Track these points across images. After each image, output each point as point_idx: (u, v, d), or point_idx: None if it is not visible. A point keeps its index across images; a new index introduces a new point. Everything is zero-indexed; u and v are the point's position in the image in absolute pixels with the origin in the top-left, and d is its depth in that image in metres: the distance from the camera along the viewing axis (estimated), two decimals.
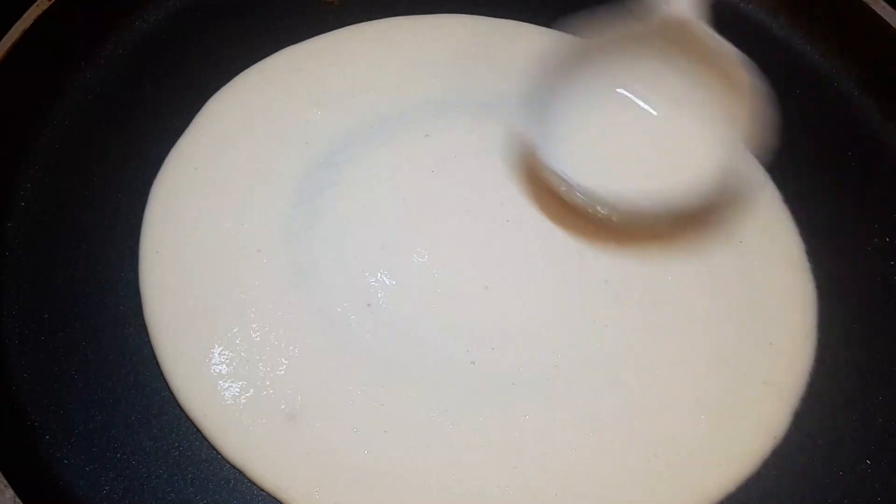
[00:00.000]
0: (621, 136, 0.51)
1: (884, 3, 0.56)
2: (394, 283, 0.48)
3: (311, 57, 0.57)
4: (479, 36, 0.59)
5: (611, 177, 0.49)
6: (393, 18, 0.59)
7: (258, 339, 0.46)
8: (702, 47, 0.49)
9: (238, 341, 0.46)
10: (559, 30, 0.59)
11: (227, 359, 0.45)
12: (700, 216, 0.51)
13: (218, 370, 0.45)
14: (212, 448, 0.43)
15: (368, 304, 0.47)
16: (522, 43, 0.58)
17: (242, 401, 0.44)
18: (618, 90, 0.52)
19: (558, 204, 0.50)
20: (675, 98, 0.51)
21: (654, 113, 0.52)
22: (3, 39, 0.51)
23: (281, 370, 0.45)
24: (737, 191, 0.51)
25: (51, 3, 0.53)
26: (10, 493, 0.38)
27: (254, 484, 0.43)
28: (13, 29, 0.52)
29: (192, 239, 0.49)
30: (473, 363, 0.46)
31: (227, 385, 0.45)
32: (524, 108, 0.49)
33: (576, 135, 0.51)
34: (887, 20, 0.55)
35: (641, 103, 0.52)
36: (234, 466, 0.43)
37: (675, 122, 0.51)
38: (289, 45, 0.57)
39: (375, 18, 0.59)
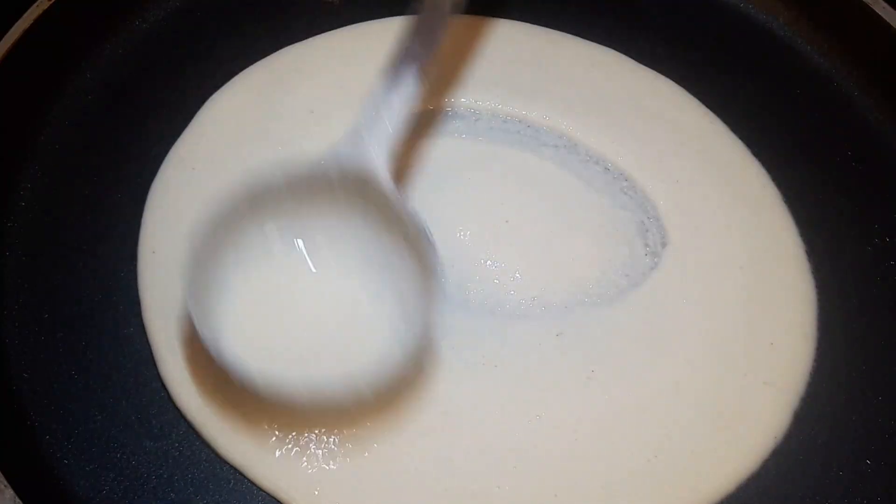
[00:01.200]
0: (289, 300, 0.45)
1: (884, 3, 0.56)
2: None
3: (311, 57, 0.57)
4: (479, 36, 0.58)
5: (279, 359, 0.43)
6: (392, 18, 0.59)
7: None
8: (383, 203, 0.43)
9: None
10: (559, 30, 0.59)
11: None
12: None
13: (216, 370, 0.45)
14: (212, 448, 0.43)
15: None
16: (521, 42, 0.58)
17: (244, 403, 0.44)
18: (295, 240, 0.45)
19: None
20: (351, 256, 0.45)
21: (314, 270, 0.45)
22: (3, 39, 0.51)
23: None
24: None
25: (51, 3, 0.53)
26: (10, 492, 0.38)
27: (253, 484, 0.43)
28: (13, 29, 0.52)
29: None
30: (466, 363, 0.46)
31: (225, 386, 0.44)
32: (187, 277, 0.41)
33: (237, 300, 0.44)
34: (887, 20, 0.55)
35: (308, 259, 0.45)
36: (233, 467, 0.43)
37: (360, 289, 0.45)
38: (289, 45, 0.57)
39: (376, 18, 0.59)
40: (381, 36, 0.57)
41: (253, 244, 0.44)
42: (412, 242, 0.43)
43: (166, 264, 0.48)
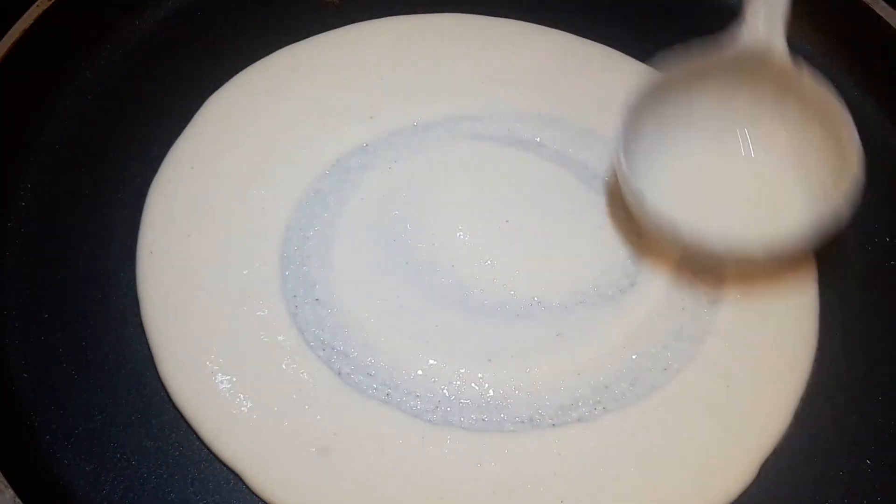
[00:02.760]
0: (715, 174, 0.51)
1: (884, 3, 0.56)
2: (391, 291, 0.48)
3: (310, 57, 0.57)
4: (480, 35, 0.58)
5: (696, 213, 0.48)
6: (392, 18, 0.59)
7: (254, 341, 0.46)
8: (792, 82, 0.49)
9: (234, 343, 0.46)
10: (560, 30, 0.59)
11: (223, 361, 0.45)
12: None
13: (215, 372, 0.45)
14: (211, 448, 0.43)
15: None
16: (523, 43, 0.58)
17: (242, 405, 0.44)
18: (736, 130, 0.51)
19: None
20: (772, 140, 0.51)
21: (751, 155, 0.51)
22: (3, 39, 0.51)
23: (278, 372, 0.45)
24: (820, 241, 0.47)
25: (51, 2, 0.53)
26: (10, 493, 0.38)
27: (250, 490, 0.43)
28: (13, 29, 0.52)
29: (189, 239, 0.49)
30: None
31: (224, 387, 0.44)
32: (617, 136, 0.48)
33: (669, 166, 0.50)
34: (887, 20, 0.55)
35: (742, 144, 0.51)
36: (230, 469, 0.43)
37: (770, 166, 0.50)
38: (288, 44, 0.57)
39: (375, 17, 0.59)
40: (381, 36, 0.58)
41: (678, 116, 0.50)
42: (820, 113, 0.48)
43: (165, 265, 0.48)
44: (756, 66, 0.49)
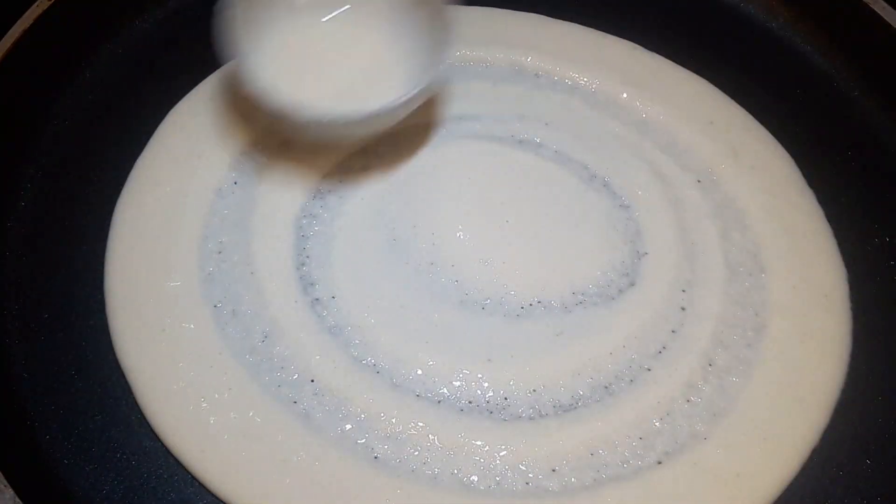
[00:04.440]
0: (320, 52, 0.52)
1: (884, 3, 0.56)
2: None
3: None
4: (481, 31, 0.58)
5: (313, 91, 0.50)
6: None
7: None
8: None
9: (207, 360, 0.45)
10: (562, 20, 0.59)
11: (196, 376, 0.45)
12: None
13: (187, 387, 0.44)
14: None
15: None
16: (525, 36, 0.58)
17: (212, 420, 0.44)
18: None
19: None
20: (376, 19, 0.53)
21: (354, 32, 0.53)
22: (4, 39, 0.51)
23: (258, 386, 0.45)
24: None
25: (51, 3, 0.53)
26: (10, 493, 0.38)
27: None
28: (13, 28, 0.52)
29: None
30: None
31: (198, 403, 0.44)
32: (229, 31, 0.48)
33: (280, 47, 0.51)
34: (887, 20, 0.55)
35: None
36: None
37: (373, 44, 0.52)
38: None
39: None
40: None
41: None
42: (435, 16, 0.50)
43: None
44: None
